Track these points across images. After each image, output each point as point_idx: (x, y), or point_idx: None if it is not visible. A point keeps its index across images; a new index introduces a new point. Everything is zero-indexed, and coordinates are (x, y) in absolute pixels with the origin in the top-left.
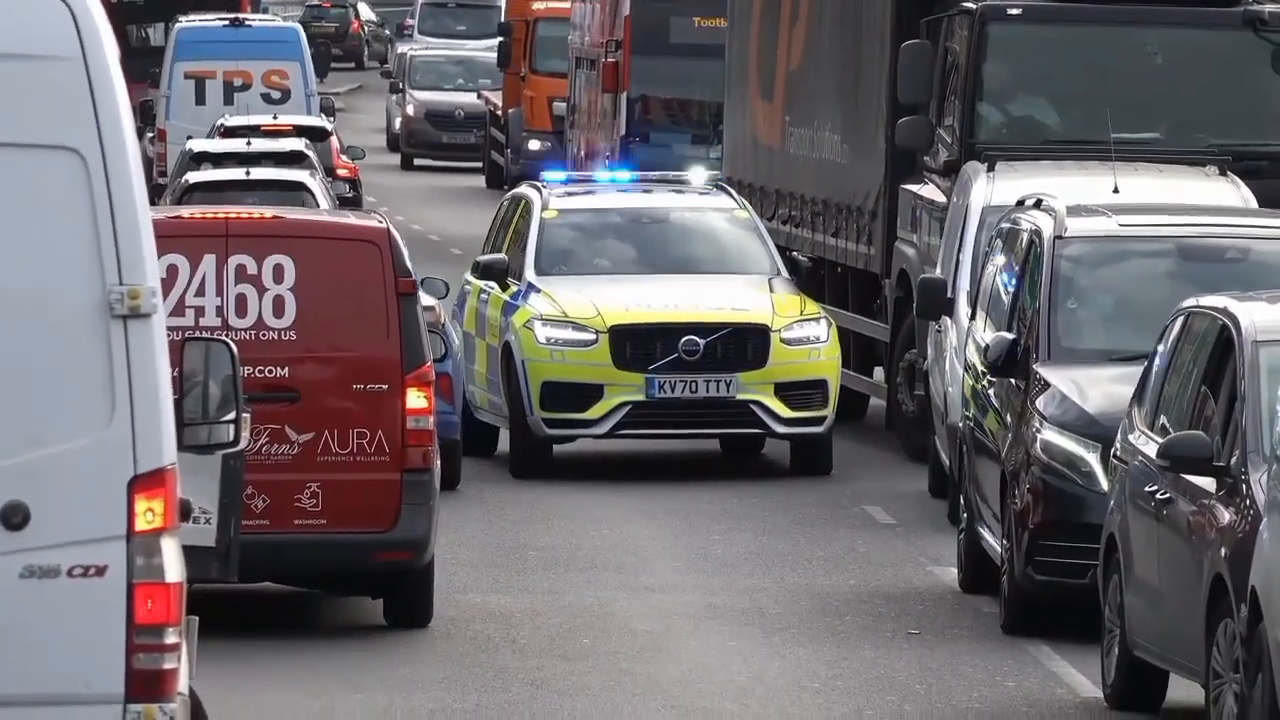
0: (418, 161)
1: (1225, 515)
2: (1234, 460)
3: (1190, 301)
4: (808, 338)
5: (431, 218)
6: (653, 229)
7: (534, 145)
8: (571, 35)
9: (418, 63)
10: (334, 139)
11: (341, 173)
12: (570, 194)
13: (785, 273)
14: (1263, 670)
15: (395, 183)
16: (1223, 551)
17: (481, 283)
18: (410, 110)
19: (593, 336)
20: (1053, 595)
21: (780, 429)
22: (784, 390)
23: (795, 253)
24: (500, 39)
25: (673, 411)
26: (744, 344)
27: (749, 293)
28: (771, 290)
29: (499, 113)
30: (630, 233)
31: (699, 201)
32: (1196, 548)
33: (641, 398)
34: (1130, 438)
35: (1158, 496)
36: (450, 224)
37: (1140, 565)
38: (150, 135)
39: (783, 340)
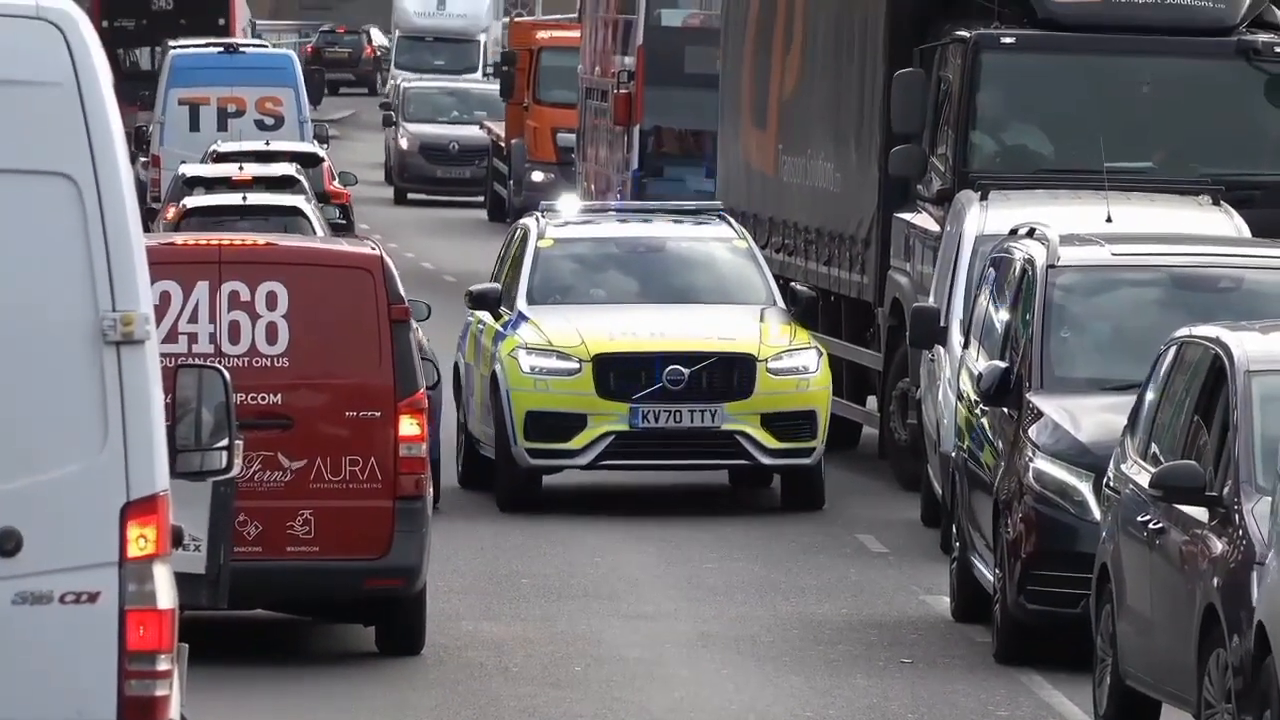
0: (411, 196)
1: (1217, 545)
2: (1226, 490)
3: (1183, 331)
4: (796, 368)
5: (429, 248)
6: (649, 259)
7: (537, 177)
8: (581, 65)
9: (411, 94)
10: (326, 164)
11: (334, 199)
12: (568, 223)
13: (781, 303)
14: (1270, 705)
15: (395, 215)
16: (1215, 581)
17: (479, 313)
18: (404, 143)
19: (576, 365)
20: (1045, 624)
21: (766, 460)
22: (771, 421)
23: (795, 283)
24: (502, 68)
25: (657, 442)
26: (729, 374)
27: (738, 322)
28: (763, 320)
29: (501, 144)
30: (626, 262)
31: (698, 231)
32: (1189, 577)
33: (625, 428)
34: (1123, 467)
35: (1150, 526)
36: (446, 255)
37: (1132, 595)
38: (144, 160)
39: (769, 370)
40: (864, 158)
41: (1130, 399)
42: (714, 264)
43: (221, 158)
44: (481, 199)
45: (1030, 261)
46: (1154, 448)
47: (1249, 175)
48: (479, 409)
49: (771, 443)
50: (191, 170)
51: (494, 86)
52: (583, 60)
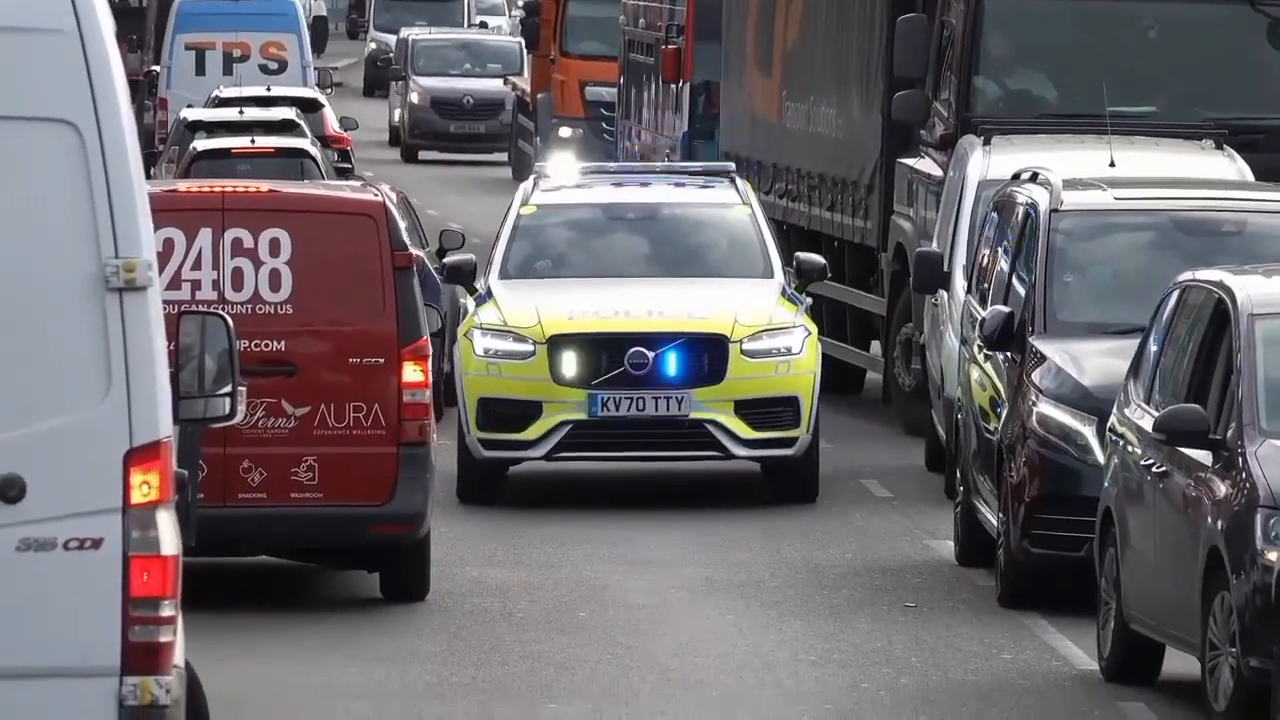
0: (422, 155)
1: (1221, 488)
2: (1230, 433)
3: (1186, 275)
4: (775, 349)
5: (453, 207)
6: (639, 227)
7: (565, 132)
8: (622, 16)
9: (420, 48)
10: (326, 110)
11: (334, 144)
12: (560, 188)
13: (781, 275)
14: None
15: (413, 174)
16: (1219, 524)
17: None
18: (415, 98)
19: (530, 348)
20: (1049, 568)
21: (741, 451)
22: (746, 408)
23: (802, 252)
24: (528, 19)
25: (617, 432)
26: (699, 356)
27: (716, 298)
28: (748, 295)
29: (526, 99)
30: (613, 232)
31: (698, 196)
32: (1192, 521)
33: (583, 416)
34: (1126, 412)
35: (1154, 470)
36: (472, 215)
37: (1136, 539)
38: (150, 104)
39: (744, 352)
40: (867, 103)
41: (1133, 343)
42: (711, 233)
43: (223, 103)
44: (498, 156)
45: (1033, 206)
46: (1157, 392)
47: (1252, 119)
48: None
49: (746, 432)
50: (193, 114)
51: (505, 38)
52: (624, 11)
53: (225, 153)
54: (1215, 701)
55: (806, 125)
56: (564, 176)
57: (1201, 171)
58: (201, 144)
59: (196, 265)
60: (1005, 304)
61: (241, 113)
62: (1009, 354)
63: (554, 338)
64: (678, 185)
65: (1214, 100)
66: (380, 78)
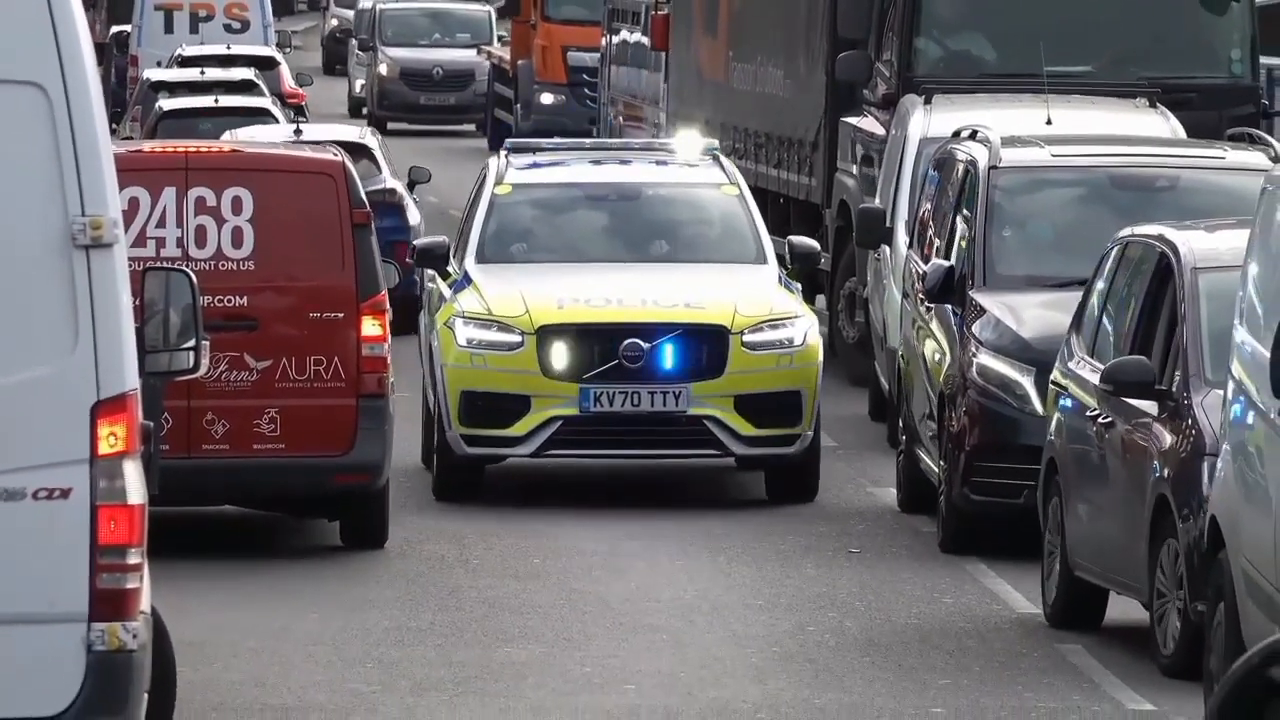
0: (391, 126)
1: (1168, 438)
2: (1175, 384)
3: (1126, 231)
4: (778, 341)
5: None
6: (622, 209)
7: (547, 99)
8: None
9: (387, 17)
10: (282, 67)
11: (290, 99)
12: (535, 165)
13: (773, 261)
14: (1224, 598)
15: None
16: (1166, 473)
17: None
18: (383, 69)
19: (518, 339)
20: (989, 515)
21: (741, 449)
22: (746, 404)
23: (795, 236)
24: None
25: (611, 428)
26: (697, 349)
27: (713, 286)
28: (744, 283)
29: (505, 66)
30: (594, 213)
31: (683, 175)
32: (1139, 470)
33: (574, 411)
34: (1070, 364)
35: (1099, 421)
36: (451, 189)
37: (1082, 488)
38: (117, 60)
39: (745, 345)
40: (811, 64)
41: (1071, 295)
42: (698, 214)
43: (186, 61)
44: (470, 126)
45: (973, 163)
46: (1101, 345)
47: (1184, 79)
48: (430, 381)
49: (747, 429)
50: (156, 75)
51: (475, 6)
52: None
53: (190, 112)
54: (1164, 646)
55: (753, 85)
56: (538, 152)
57: (1136, 129)
58: (167, 104)
59: (161, 223)
60: (946, 258)
61: (203, 73)
62: (950, 306)
63: (543, 328)
64: (660, 164)
65: (1148, 60)
66: (339, 53)
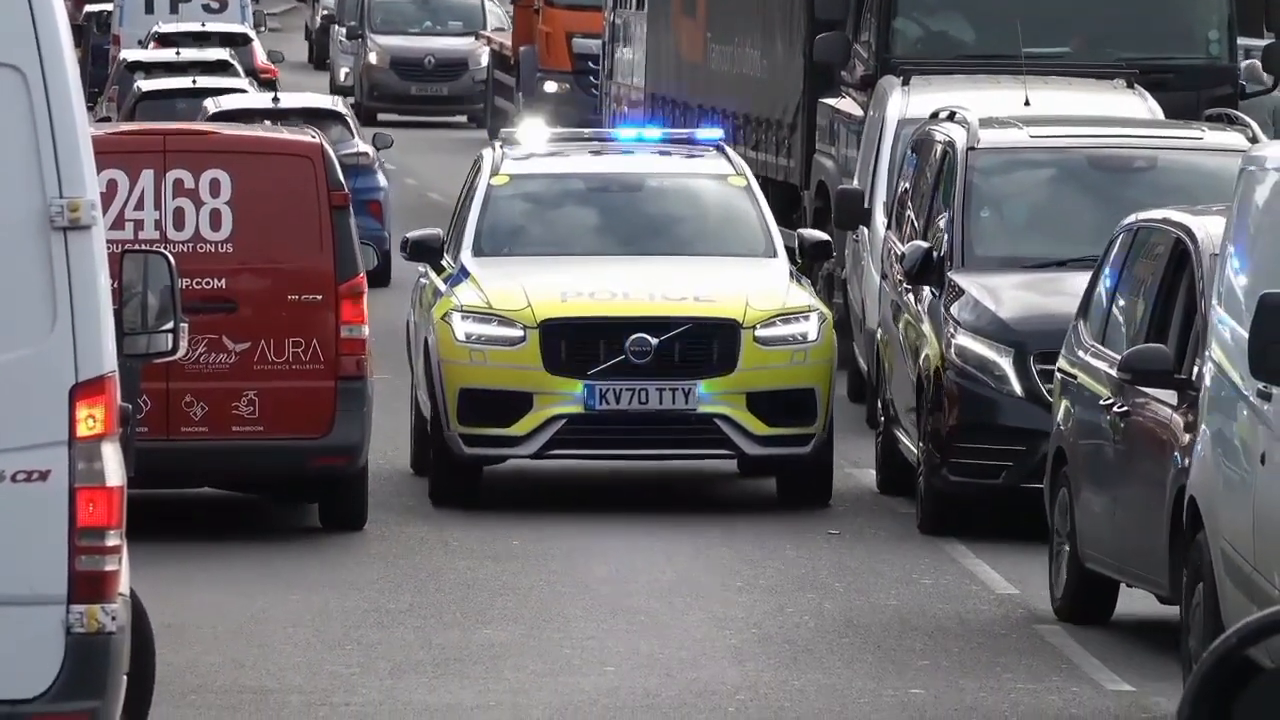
0: (381, 117)
1: (1187, 428)
2: (1194, 373)
3: (1133, 217)
4: (791, 336)
5: (430, 175)
6: (624, 200)
7: (550, 87)
8: None
9: (377, 4)
10: (255, 43)
11: (262, 74)
12: (532, 155)
13: (783, 253)
14: (1203, 579)
15: (399, 144)
16: (1186, 463)
17: (420, 265)
18: (373, 58)
19: (520, 333)
20: (967, 495)
21: (753, 449)
22: (759, 402)
23: (805, 229)
24: None
25: (617, 427)
26: (708, 344)
27: (723, 279)
28: (755, 276)
29: (506, 52)
30: (595, 205)
31: (687, 166)
32: (1157, 460)
33: (579, 410)
34: (1078, 353)
35: (1114, 410)
36: (452, 182)
37: (1093, 479)
38: (100, 42)
39: (757, 339)
40: (789, 45)
41: (1049, 276)
42: (703, 206)
43: (162, 38)
44: (462, 118)
45: (951, 144)
46: (1112, 333)
47: (1162, 59)
48: (422, 380)
49: (759, 428)
50: (133, 55)
51: None
52: None
53: (168, 93)
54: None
55: (731, 67)
56: (535, 142)
57: (1113, 110)
58: (145, 84)
59: (139, 205)
60: (924, 239)
61: (179, 54)
62: (928, 287)
63: (546, 322)
64: (663, 154)
65: (1126, 41)
66: (329, 46)
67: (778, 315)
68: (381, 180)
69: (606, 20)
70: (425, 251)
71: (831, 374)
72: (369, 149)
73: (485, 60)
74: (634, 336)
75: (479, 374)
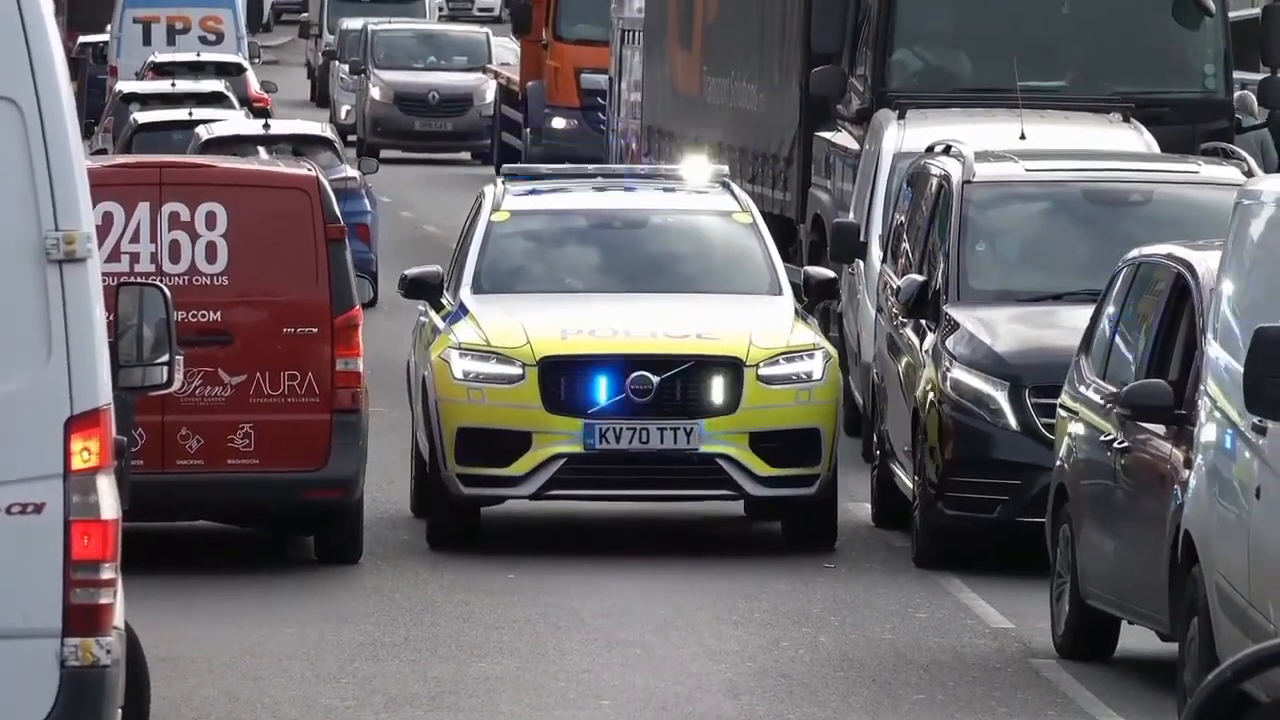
0: (385, 154)
1: (1186, 463)
2: (1195, 408)
3: (1136, 252)
4: (795, 375)
5: (432, 211)
6: (627, 237)
7: (559, 123)
8: (614, 3)
9: (380, 39)
10: (249, 74)
11: (255, 103)
12: (534, 192)
13: (788, 291)
14: (1197, 614)
15: (391, 173)
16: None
17: (420, 304)
18: (376, 93)
19: (519, 371)
20: (963, 529)
21: (757, 490)
22: (762, 442)
23: (811, 266)
24: (517, 1)
25: (618, 467)
26: (710, 382)
27: (725, 316)
28: (759, 313)
29: (513, 88)
30: (598, 241)
31: (691, 202)
32: (1158, 496)
33: (578, 449)
34: (1080, 388)
35: (1114, 446)
36: (444, 215)
37: (1095, 514)
38: (97, 73)
39: (760, 378)
40: (785, 78)
41: (1045, 309)
42: (707, 243)
43: (158, 68)
44: (464, 155)
45: (946, 178)
46: (1113, 368)
47: (1158, 93)
48: (420, 420)
49: (763, 469)
50: (128, 87)
51: (471, 29)
52: None
53: (164, 125)
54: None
55: (727, 99)
56: (537, 178)
57: (1109, 144)
58: (141, 116)
59: (135, 238)
60: (920, 273)
61: (174, 85)
62: (924, 321)
63: (546, 360)
64: (667, 190)
65: (1122, 75)
66: (330, 82)
67: (782, 354)
68: (368, 204)
69: (613, 55)
70: (424, 289)
71: (837, 414)
72: (356, 174)
73: (490, 95)
74: (635, 374)
75: (477, 413)
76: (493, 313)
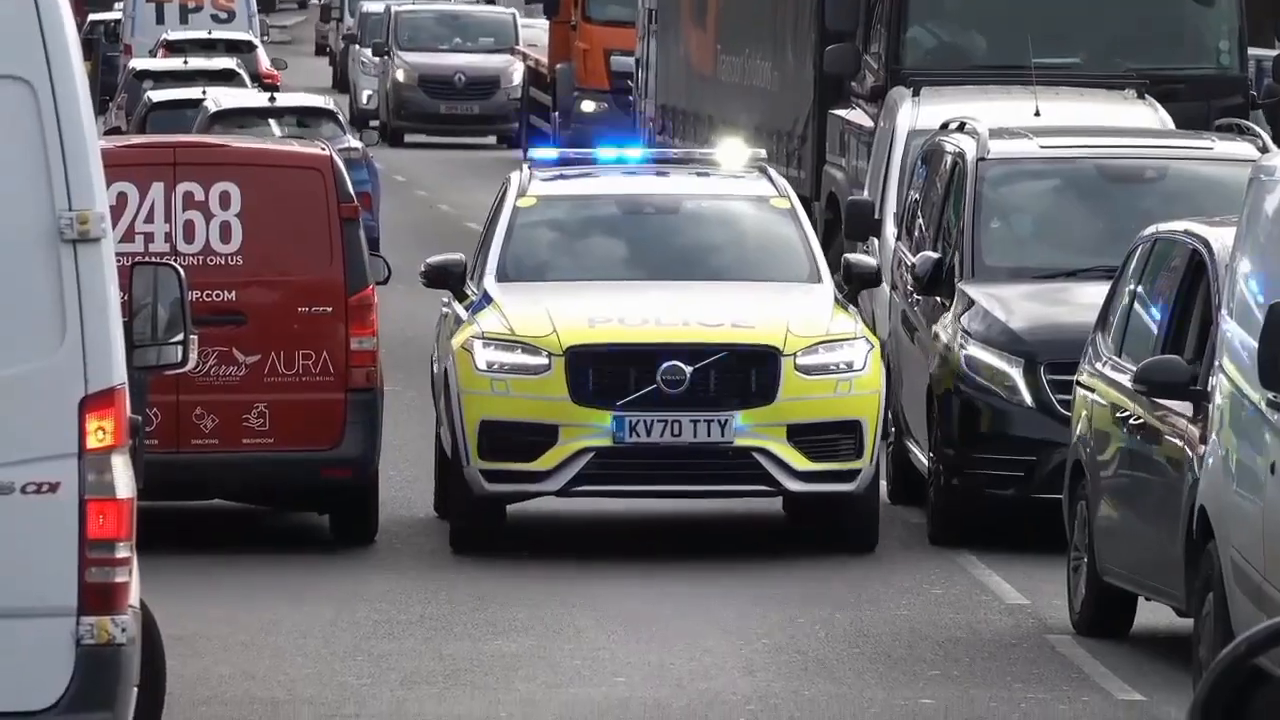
0: (409, 138)
1: (1202, 439)
2: (1211, 384)
3: (1152, 228)
4: (834, 365)
5: (461, 199)
6: (659, 223)
7: (588, 106)
8: None
9: (404, 20)
10: (259, 51)
11: (265, 79)
12: (561, 177)
13: (828, 279)
14: (1212, 588)
15: (401, 158)
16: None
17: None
18: (400, 75)
19: (545, 361)
20: (978, 506)
21: (795, 485)
22: (800, 434)
23: (852, 253)
24: None
25: (648, 461)
26: (745, 373)
27: (762, 304)
28: (797, 301)
29: (541, 70)
30: (628, 228)
31: (726, 187)
32: (1175, 473)
33: (607, 443)
34: (1097, 365)
35: (1131, 422)
36: (472, 201)
37: (1112, 491)
38: (107, 52)
39: (798, 368)
40: (799, 56)
41: (1060, 286)
42: (743, 229)
43: (170, 45)
44: (491, 139)
45: (961, 155)
46: (1130, 344)
47: (1172, 70)
48: (443, 414)
49: (801, 463)
50: (141, 64)
51: (497, 10)
52: None
53: (178, 104)
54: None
55: (741, 78)
56: (565, 163)
57: (1124, 120)
58: (155, 95)
59: (149, 218)
60: (934, 250)
61: (186, 63)
62: (939, 298)
63: (573, 349)
64: (701, 175)
65: (1136, 51)
66: (350, 67)
67: (820, 342)
68: (369, 174)
69: (640, 36)
70: (445, 277)
71: (880, 405)
72: (359, 144)
73: (518, 78)
74: (666, 365)
75: (501, 405)
76: (518, 301)
